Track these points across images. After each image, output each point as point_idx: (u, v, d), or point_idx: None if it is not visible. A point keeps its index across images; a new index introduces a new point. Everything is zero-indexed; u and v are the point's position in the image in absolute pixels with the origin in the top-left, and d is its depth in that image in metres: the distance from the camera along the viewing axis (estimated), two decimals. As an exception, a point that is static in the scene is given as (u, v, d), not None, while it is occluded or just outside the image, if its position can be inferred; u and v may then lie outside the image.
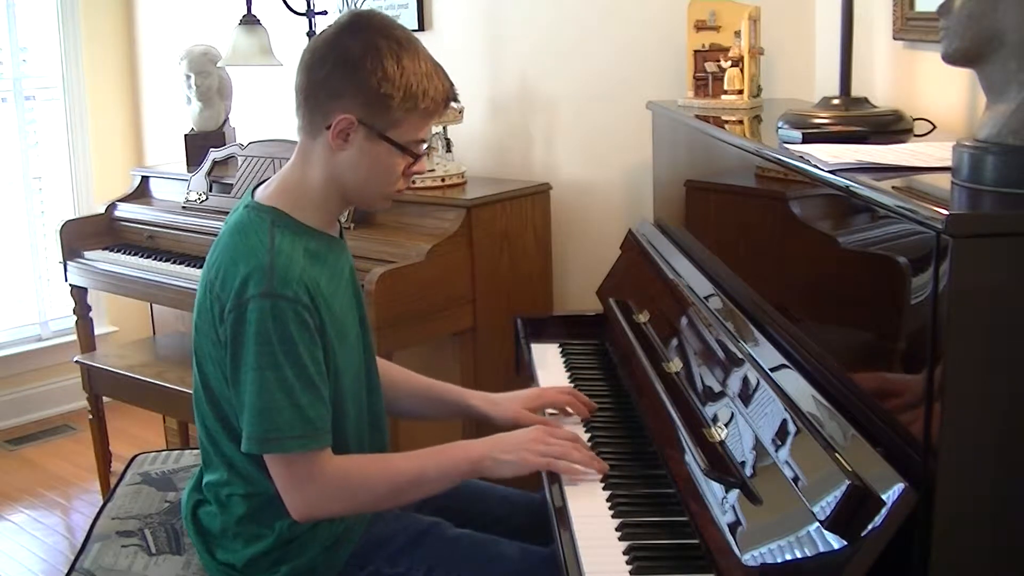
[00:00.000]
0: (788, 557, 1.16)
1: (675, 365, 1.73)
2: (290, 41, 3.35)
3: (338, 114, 1.50)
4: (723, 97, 2.22)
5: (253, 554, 1.57)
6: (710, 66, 2.26)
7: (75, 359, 3.28)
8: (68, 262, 3.35)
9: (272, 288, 1.45)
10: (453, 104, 1.60)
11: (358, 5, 3.08)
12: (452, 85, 1.58)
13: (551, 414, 1.83)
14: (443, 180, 2.79)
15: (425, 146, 1.59)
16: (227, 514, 1.59)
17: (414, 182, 2.77)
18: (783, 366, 1.42)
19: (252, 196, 1.59)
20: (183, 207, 3.25)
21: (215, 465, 1.60)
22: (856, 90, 1.69)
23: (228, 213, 1.52)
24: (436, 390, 1.87)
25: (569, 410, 1.82)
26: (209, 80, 3.49)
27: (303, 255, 1.51)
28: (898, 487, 1.06)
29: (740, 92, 2.19)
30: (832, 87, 1.72)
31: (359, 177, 1.55)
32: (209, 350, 1.54)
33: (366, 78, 1.48)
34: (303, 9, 3.16)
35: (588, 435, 1.75)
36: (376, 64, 1.48)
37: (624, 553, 1.37)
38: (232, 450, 1.56)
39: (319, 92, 1.52)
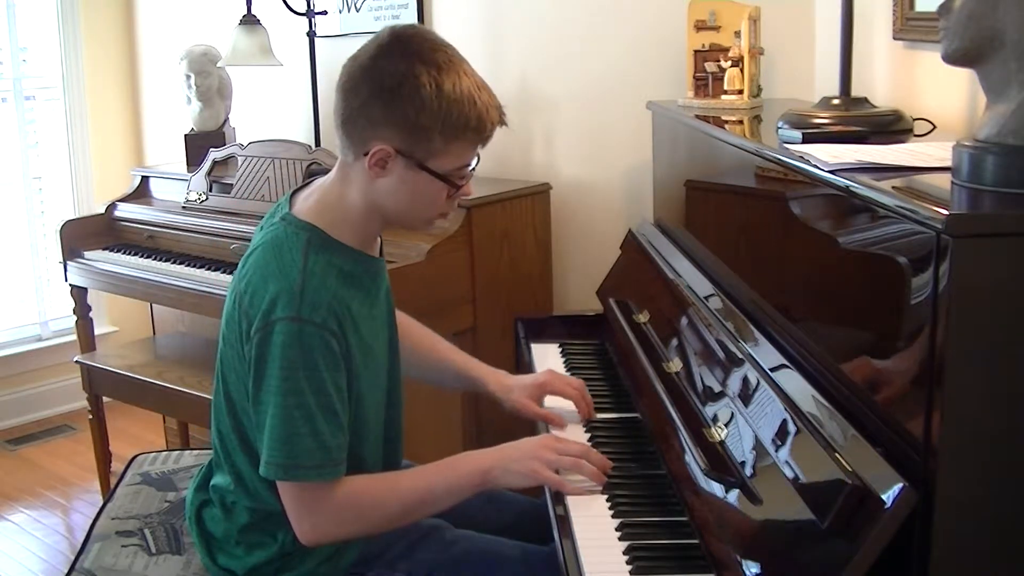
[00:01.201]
0: (788, 557, 1.16)
1: (675, 365, 1.73)
2: (290, 41, 3.35)
3: (375, 144, 1.44)
4: (723, 97, 2.22)
5: (255, 563, 1.56)
6: (710, 66, 2.26)
7: (75, 359, 3.28)
8: (68, 262, 3.35)
9: (300, 312, 1.42)
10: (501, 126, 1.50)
11: (358, 6, 3.09)
12: (499, 108, 1.49)
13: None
14: (443, 180, 2.79)
15: (471, 167, 1.52)
16: (231, 521, 1.59)
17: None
18: (783, 366, 1.42)
19: (289, 206, 1.55)
20: (183, 207, 3.25)
21: (224, 471, 1.60)
22: (856, 90, 1.69)
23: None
24: (456, 364, 1.85)
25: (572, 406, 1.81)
26: (209, 80, 3.49)
27: (336, 277, 1.47)
28: (898, 487, 1.06)
29: (740, 92, 2.19)
30: (832, 87, 1.72)
31: (399, 204, 1.50)
32: (234, 362, 1.52)
33: (403, 108, 1.41)
34: (303, 9, 3.16)
35: (588, 435, 1.75)
36: (414, 93, 1.40)
37: (624, 553, 1.37)
38: (243, 463, 1.55)
39: (356, 119, 1.45)
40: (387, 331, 1.63)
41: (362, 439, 1.55)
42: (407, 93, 1.41)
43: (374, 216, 1.53)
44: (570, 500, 1.50)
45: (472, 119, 1.44)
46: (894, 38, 1.89)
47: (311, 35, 3.16)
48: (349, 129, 1.47)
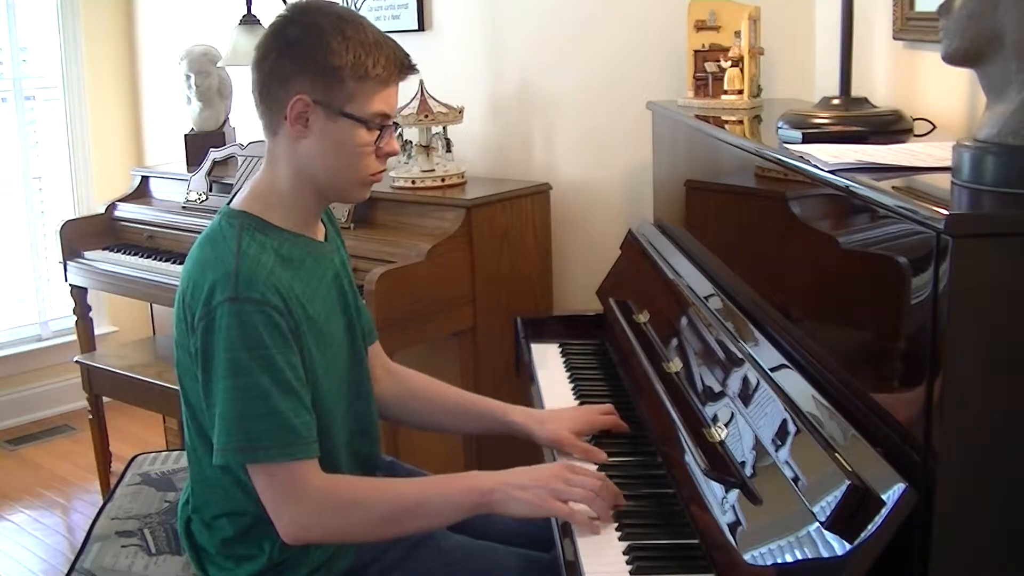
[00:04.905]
0: (788, 557, 1.16)
1: (675, 365, 1.73)
2: (290, 41, 3.35)
3: (291, 98, 1.45)
4: (723, 97, 2.22)
5: (245, 574, 1.53)
6: (710, 66, 2.26)
7: (75, 359, 3.28)
8: (68, 262, 3.35)
9: (238, 292, 1.39)
10: (409, 71, 1.54)
11: (358, 6, 3.09)
12: (404, 52, 1.52)
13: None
14: (443, 180, 2.79)
15: (392, 121, 1.53)
16: (215, 536, 1.56)
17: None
18: (783, 366, 1.42)
19: (228, 206, 1.56)
20: (183, 207, 3.25)
21: (198, 485, 1.58)
22: (856, 90, 1.69)
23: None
24: (473, 404, 1.81)
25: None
26: (209, 80, 3.49)
27: (273, 258, 1.46)
28: (898, 487, 1.06)
29: (740, 92, 2.19)
30: (832, 87, 1.72)
31: (327, 164, 1.50)
32: (187, 364, 1.50)
33: (311, 56, 1.44)
34: (303, 9, 3.16)
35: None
36: (319, 40, 1.44)
37: (624, 553, 1.37)
38: (212, 469, 1.51)
39: (270, 83, 1.48)
40: (341, 316, 1.60)
41: (329, 428, 1.51)
42: (312, 41, 1.45)
43: (305, 190, 1.52)
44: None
45: (380, 59, 1.47)
46: (894, 38, 1.89)
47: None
48: (266, 97, 1.49)
